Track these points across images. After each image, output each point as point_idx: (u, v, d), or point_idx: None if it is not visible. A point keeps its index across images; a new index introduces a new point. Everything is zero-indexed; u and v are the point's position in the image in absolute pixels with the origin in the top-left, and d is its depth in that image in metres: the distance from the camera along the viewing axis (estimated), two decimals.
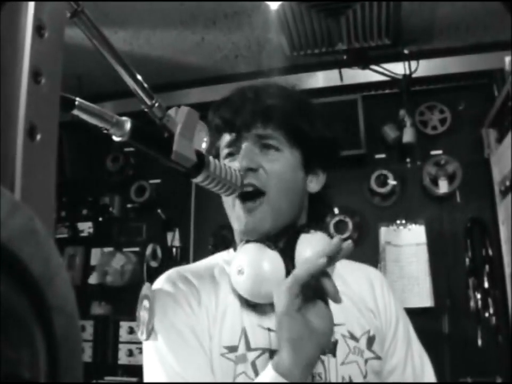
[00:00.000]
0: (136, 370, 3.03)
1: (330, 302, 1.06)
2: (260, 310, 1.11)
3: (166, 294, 1.11)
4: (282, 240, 1.15)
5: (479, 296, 2.72)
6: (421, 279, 2.79)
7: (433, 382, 1.22)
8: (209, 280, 1.16)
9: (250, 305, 1.11)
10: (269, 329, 1.08)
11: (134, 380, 3.02)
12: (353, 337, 1.12)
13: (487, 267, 2.76)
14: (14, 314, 0.32)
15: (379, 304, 1.21)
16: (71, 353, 0.35)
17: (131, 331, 3.11)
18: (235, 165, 1.12)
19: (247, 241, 1.12)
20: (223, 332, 1.07)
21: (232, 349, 1.05)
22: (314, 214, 1.26)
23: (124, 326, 3.14)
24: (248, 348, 1.06)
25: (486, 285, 2.72)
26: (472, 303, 2.73)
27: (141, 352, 2.98)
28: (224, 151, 1.20)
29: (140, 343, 3.23)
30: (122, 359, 3.10)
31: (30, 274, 0.33)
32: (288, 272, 1.06)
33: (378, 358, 1.14)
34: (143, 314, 1.09)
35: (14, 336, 0.31)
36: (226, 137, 1.19)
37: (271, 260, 1.07)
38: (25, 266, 0.32)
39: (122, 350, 3.11)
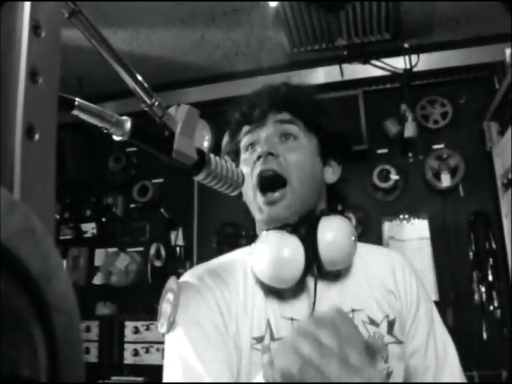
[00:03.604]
0: (142, 370, 3.04)
1: (351, 286, 1.14)
2: (281, 297, 1.12)
3: (191, 288, 1.12)
4: (303, 227, 1.16)
5: (483, 289, 2.72)
6: (425, 273, 2.79)
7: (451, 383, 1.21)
8: (237, 274, 1.18)
9: (272, 293, 1.12)
10: (292, 319, 1.09)
11: (140, 379, 3.03)
12: (373, 322, 1.12)
13: (491, 260, 2.76)
14: (13, 313, 0.32)
15: (399, 286, 1.21)
16: (71, 352, 0.35)
17: (136, 331, 3.11)
18: (257, 152, 1.16)
19: (268, 230, 1.13)
20: (252, 324, 1.09)
21: (260, 339, 1.07)
22: (332, 205, 1.29)
23: (129, 325, 3.14)
24: (272, 338, 1.07)
25: (490, 278, 2.72)
26: (476, 296, 2.73)
27: (146, 352, 3.01)
28: (244, 141, 1.24)
29: (145, 342, 3.21)
30: (128, 358, 3.10)
31: (28, 273, 0.33)
32: (307, 257, 1.08)
33: (399, 342, 1.14)
34: (165, 306, 1.09)
35: (13, 336, 0.31)
36: (246, 128, 1.23)
37: (290, 244, 1.09)
38: (24, 265, 0.32)
39: (128, 349, 3.12)
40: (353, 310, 1.12)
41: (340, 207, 1.37)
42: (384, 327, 1.13)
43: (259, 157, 1.15)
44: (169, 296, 1.09)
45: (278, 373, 0.75)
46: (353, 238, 1.12)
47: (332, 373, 0.70)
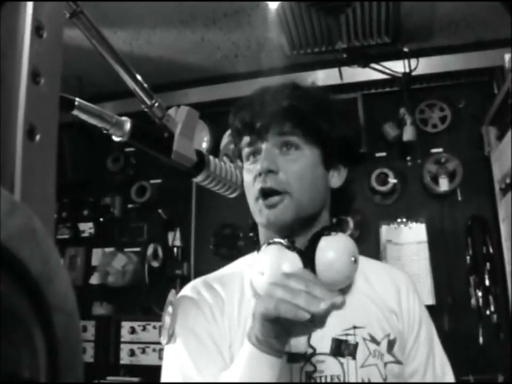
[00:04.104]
0: (138, 370, 3.04)
1: (353, 303, 1.12)
2: None
3: (189, 301, 1.15)
4: (302, 236, 1.16)
5: (480, 293, 2.72)
6: (422, 277, 2.79)
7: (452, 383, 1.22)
8: (234, 287, 1.19)
9: None
10: None
11: (136, 379, 3.02)
12: (374, 340, 1.13)
13: (488, 265, 2.75)
14: (13, 314, 0.32)
15: (403, 307, 1.21)
16: (71, 352, 0.35)
17: (133, 331, 3.10)
18: (257, 168, 1.15)
19: (269, 244, 1.12)
20: (244, 337, 1.08)
21: None
22: (336, 209, 1.28)
23: (126, 326, 3.13)
24: None
25: (487, 282, 2.72)
26: (473, 301, 2.72)
27: (142, 352, 3.01)
28: (245, 151, 1.23)
29: (141, 343, 3.21)
30: (124, 359, 3.10)
31: (29, 274, 0.33)
32: None
33: (398, 362, 1.14)
34: (166, 319, 1.11)
35: (14, 336, 0.31)
36: (247, 139, 1.21)
37: (290, 261, 1.08)
38: (25, 266, 0.32)
39: (124, 350, 3.11)
40: (354, 327, 1.12)
41: (345, 212, 1.38)
42: (384, 345, 1.13)
43: (259, 174, 1.14)
44: (169, 309, 1.12)
45: (259, 318, 0.89)
46: (353, 259, 1.10)
47: (301, 304, 0.82)
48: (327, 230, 1.15)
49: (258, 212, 1.17)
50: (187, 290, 1.19)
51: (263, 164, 1.14)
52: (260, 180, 1.14)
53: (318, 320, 0.86)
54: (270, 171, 1.14)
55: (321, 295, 0.84)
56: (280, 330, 0.89)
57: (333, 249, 1.10)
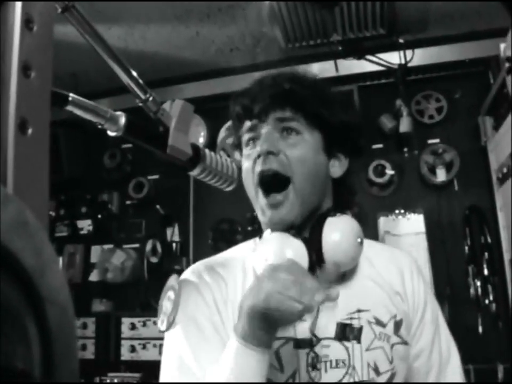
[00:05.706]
0: (139, 366, 3.04)
1: (357, 286, 1.13)
2: None
3: (191, 286, 1.12)
4: (308, 227, 1.15)
5: (478, 283, 2.73)
6: (421, 268, 2.79)
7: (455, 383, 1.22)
8: (237, 272, 1.17)
9: None
10: None
11: (137, 375, 3.03)
12: (379, 322, 1.12)
13: (486, 254, 2.76)
14: (6, 306, 0.32)
15: (407, 288, 1.20)
16: (65, 344, 0.35)
17: (133, 327, 3.10)
18: (256, 150, 1.13)
19: (273, 230, 1.12)
20: None
21: None
22: (339, 199, 1.26)
23: (126, 322, 3.14)
24: None
25: (486, 272, 2.73)
26: (472, 291, 2.73)
27: (143, 348, 3.01)
28: (245, 137, 1.21)
29: (142, 338, 3.20)
30: (125, 355, 3.10)
31: (21, 267, 0.33)
32: (311, 260, 1.07)
33: (404, 343, 1.13)
34: (165, 304, 1.08)
35: (7, 328, 0.31)
36: (247, 124, 1.20)
37: (295, 248, 1.07)
38: (17, 258, 0.32)
39: (125, 346, 3.11)
40: (359, 310, 1.11)
41: (349, 203, 1.33)
42: (390, 327, 1.12)
43: (259, 156, 1.12)
44: (170, 294, 1.09)
45: (246, 311, 0.88)
46: (359, 240, 1.09)
47: (294, 295, 0.80)
48: (332, 212, 1.14)
49: (261, 211, 1.15)
50: (188, 274, 1.17)
51: (262, 146, 1.12)
52: (260, 161, 1.12)
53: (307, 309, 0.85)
54: (269, 152, 1.12)
55: (314, 286, 0.83)
56: (268, 323, 0.89)
57: (340, 230, 1.09)
